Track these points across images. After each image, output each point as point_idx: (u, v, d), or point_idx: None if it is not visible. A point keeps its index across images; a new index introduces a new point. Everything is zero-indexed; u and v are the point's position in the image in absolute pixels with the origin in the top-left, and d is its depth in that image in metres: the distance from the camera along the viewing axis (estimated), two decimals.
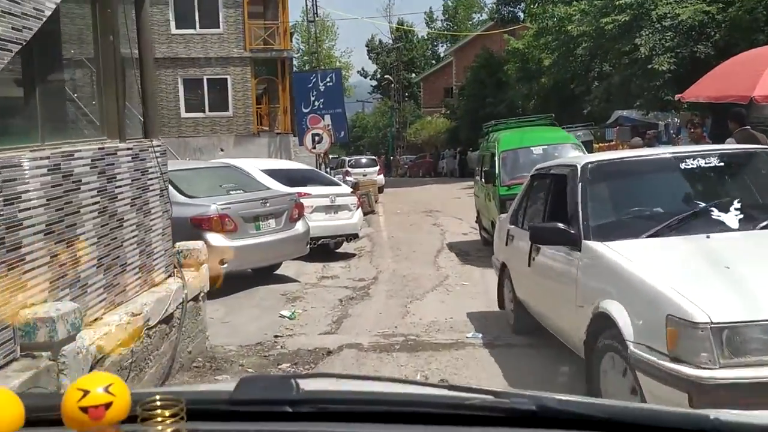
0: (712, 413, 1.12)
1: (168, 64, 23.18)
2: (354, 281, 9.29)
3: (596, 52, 19.65)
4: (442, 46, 57.68)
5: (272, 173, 11.13)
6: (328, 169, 18.14)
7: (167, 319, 4.66)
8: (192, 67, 23.36)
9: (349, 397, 1.23)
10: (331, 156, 31.03)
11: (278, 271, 9.45)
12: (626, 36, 17.14)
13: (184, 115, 23.50)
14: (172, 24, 22.97)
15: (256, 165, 11.35)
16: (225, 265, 7.92)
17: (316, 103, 17.76)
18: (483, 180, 10.85)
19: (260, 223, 8.42)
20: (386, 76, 47.27)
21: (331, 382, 1.63)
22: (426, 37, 58.46)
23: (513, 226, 5.94)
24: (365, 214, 18.04)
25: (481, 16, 55.50)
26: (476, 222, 12.21)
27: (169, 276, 5.10)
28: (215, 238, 7.90)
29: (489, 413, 1.12)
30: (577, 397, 1.25)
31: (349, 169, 24.90)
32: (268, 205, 8.49)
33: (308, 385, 1.21)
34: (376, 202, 20.67)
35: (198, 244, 5.58)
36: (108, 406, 0.89)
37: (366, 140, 54.87)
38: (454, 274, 9.43)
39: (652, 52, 16.40)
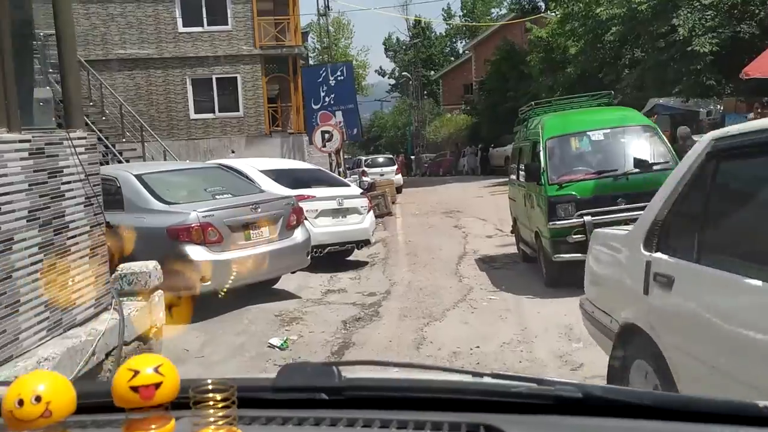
0: (761, 402, 1.07)
1: (176, 64, 22.09)
2: (363, 296, 7.95)
3: (627, 36, 18.07)
4: (460, 42, 56.09)
5: (272, 174, 9.86)
6: (340, 170, 16.81)
7: (91, 374, 3.36)
8: (200, 67, 22.19)
9: (391, 384, 1.20)
10: (346, 155, 29.82)
11: (277, 285, 8.15)
12: (662, 17, 15.56)
13: (193, 116, 22.34)
14: (179, 22, 21.81)
15: (254, 165, 10.08)
16: (208, 283, 6.66)
17: (327, 99, 16.36)
18: (523, 178, 8.58)
19: (251, 232, 7.11)
20: (404, 74, 45.79)
21: (373, 369, 1.53)
22: (444, 34, 56.95)
23: (665, 258, 2.87)
24: (381, 216, 16.72)
25: (500, 10, 53.90)
26: (511, 232, 10.01)
27: (104, 311, 3.80)
28: (196, 252, 6.62)
29: (534, 401, 1.09)
30: (621, 387, 1.30)
31: (366, 169, 23.61)
32: (259, 210, 7.18)
33: (350, 372, 1.18)
34: (393, 203, 19.34)
35: (147, 265, 4.28)
36: (158, 386, 0.89)
37: (385, 139, 53.54)
38: (479, 286, 8.05)
39: (692, 33, 14.83)
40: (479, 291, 7.76)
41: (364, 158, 25.46)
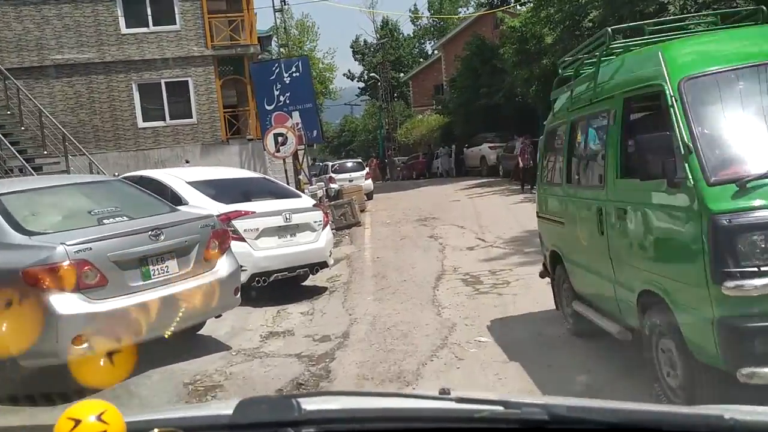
0: (727, 413, 1.04)
1: (119, 69, 19.92)
2: (313, 342, 5.98)
3: (608, 20, 16.35)
4: (429, 43, 54.44)
5: (204, 186, 7.90)
6: (300, 177, 14.83)
7: None
8: (147, 71, 20.04)
9: (354, 415, 1.16)
10: (311, 160, 27.65)
11: (203, 330, 6.16)
12: None
13: (141, 125, 20.17)
14: (122, 22, 19.64)
15: (180, 176, 8.09)
16: (83, 346, 4.65)
17: (282, 99, 14.21)
18: (587, 178, 4.83)
19: (150, 268, 5.10)
20: (372, 74, 43.81)
21: (334, 400, 1.41)
22: (412, 35, 55.21)
23: None
24: (349, 226, 14.78)
25: (468, 9, 52.40)
26: (542, 275, 6.06)
27: None
28: (66, 302, 4.62)
29: (500, 425, 1.07)
30: (588, 402, 1.17)
31: (333, 175, 21.65)
32: (162, 237, 5.17)
33: (311, 404, 1.13)
34: (362, 211, 17.44)
35: None
36: None
37: (356, 144, 51.56)
38: (464, 321, 6.14)
39: (684, 11, 13.17)
40: (465, 330, 5.84)
41: (331, 163, 23.44)
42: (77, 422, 0.84)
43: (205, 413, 1.31)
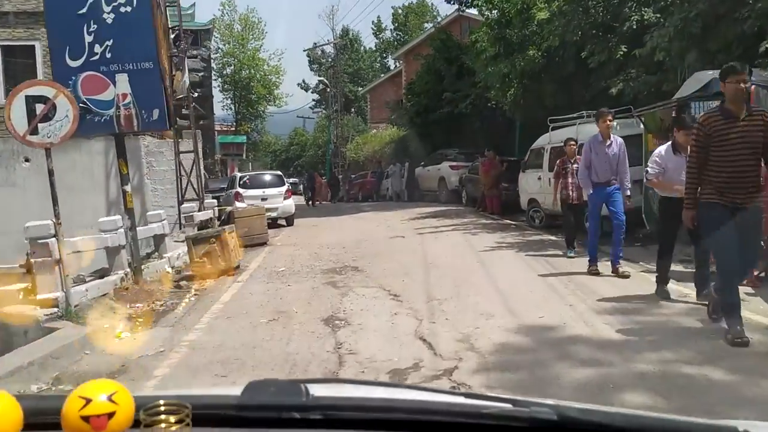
0: (741, 425, 1.02)
1: None
2: None
3: None
4: (391, 57, 48.78)
5: None
6: (124, 188, 8.40)
7: None
8: None
9: (361, 403, 1.10)
10: (237, 171, 21.30)
11: None
12: None
13: None
14: None
15: None
16: None
17: (98, 49, 7.46)
18: None
19: None
20: (321, 79, 37.46)
21: (343, 387, 1.39)
22: (374, 48, 49.45)
23: None
24: (213, 275, 8.44)
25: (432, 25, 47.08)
26: None
27: None
28: None
29: (508, 422, 1.01)
30: (599, 407, 1.10)
31: (241, 190, 15.29)
32: None
33: (319, 390, 1.08)
34: (262, 244, 11.18)
35: None
36: (111, 415, 0.81)
37: (305, 159, 45.24)
38: None
39: None
40: None
41: (239, 174, 16.99)
42: (88, 401, 0.79)
43: (213, 393, 1.25)
